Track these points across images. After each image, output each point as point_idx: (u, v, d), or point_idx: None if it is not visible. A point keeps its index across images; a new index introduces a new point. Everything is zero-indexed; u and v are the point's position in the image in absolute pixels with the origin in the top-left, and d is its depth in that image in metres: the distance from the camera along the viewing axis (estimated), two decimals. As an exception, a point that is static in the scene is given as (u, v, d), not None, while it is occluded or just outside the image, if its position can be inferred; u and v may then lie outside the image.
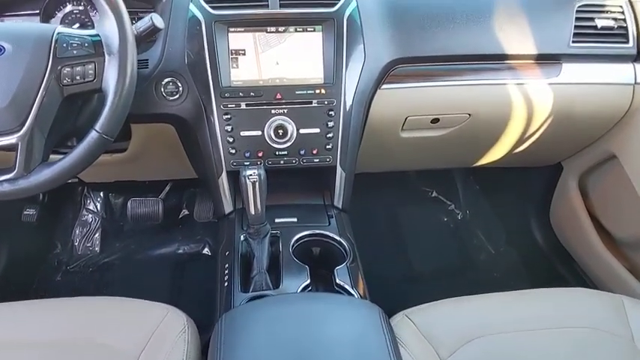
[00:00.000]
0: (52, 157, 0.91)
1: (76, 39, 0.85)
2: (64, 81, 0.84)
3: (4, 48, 0.82)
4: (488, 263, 1.85)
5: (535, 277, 1.76)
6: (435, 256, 1.88)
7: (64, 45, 0.84)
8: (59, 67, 0.83)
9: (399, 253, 1.88)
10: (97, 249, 1.81)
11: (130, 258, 1.81)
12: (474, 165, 1.56)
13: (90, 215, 1.85)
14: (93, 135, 0.84)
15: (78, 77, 0.84)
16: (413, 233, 1.96)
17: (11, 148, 0.82)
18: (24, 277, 1.69)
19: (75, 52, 0.84)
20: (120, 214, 1.88)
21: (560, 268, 1.70)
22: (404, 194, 2.06)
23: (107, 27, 0.85)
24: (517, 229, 1.87)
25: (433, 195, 2.07)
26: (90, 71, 0.84)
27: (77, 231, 1.83)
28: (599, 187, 1.54)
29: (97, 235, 1.82)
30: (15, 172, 0.83)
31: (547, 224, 1.77)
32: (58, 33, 0.85)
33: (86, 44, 0.85)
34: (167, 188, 1.84)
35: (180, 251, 1.83)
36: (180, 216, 1.92)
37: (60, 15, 1.19)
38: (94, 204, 1.85)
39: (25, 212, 1.65)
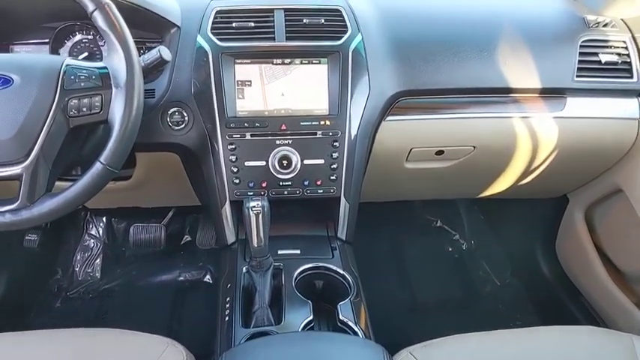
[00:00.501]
0: (57, 183, 0.92)
1: (84, 71, 0.86)
2: (71, 112, 0.84)
3: (12, 79, 0.83)
4: (493, 295, 1.83)
5: (541, 310, 1.74)
6: (440, 287, 1.86)
7: (72, 77, 0.85)
8: (66, 99, 0.84)
9: (403, 283, 1.86)
10: (98, 275, 1.81)
11: (131, 284, 1.79)
12: (479, 196, 1.55)
13: (92, 240, 1.84)
14: (98, 167, 0.84)
15: (84, 109, 0.84)
16: (417, 263, 1.94)
17: (16, 178, 0.83)
18: (23, 304, 1.68)
19: (82, 84, 0.85)
20: (122, 240, 1.88)
21: (567, 302, 1.68)
22: (408, 223, 2.05)
23: (115, 60, 0.86)
24: (523, 260, 1.85)
25: (437, 224, 2.06)
26: (97, 103, 0.85)
27: (78, 256, 1.82)
28: (605, 220, 1.53)
29: (98, 260, 1.82)
30: (18, 202, 0.82)
31: (553, 256, 1.75)
32: (67, 65, 0.86)
33: (94, 77, 0.85)
34: (170, 214, 1.83)
35: (182, 278, 1.82)
36: (182, 242, 1.91)
37: (69, 44, 1.21)
38: (97, 229, 1.85)
39: (27, 237, 1.65)
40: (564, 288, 1.70)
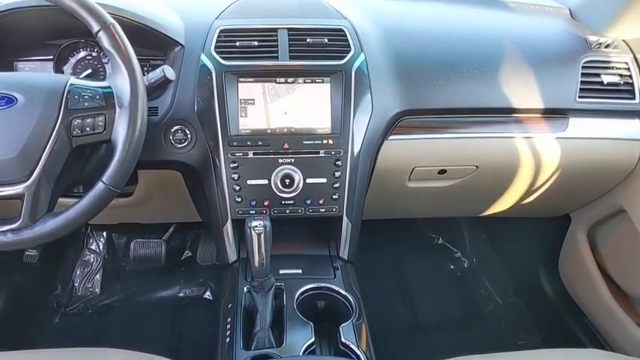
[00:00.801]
0: (59, 200, 0.92)
1: (88, 91, 0.86)
2: (74, 132, 0.84)
3: (16, 99, 0.83)
4: (495, 314, 1.82)
5: (544, 330, 1.73)
6: (442, 305, 1.85)
7: (76, 97, 0.85)
8: (70, 119, 0.84)
9: (404, 301, 1.85)
10: (98, 290, 1.80)
11: (131, 300, 1.79)
12: (481, 215, 1.55)
13: (92, 255, 1.84)
14: (100, 186, 0.83)
15: (88, 128, 0.84)
16: (419, 281, 1.93)
17: (18, 197, 0.82)
18: (23, 320, 1.67)
19: (86, 103, 0.85)
20: (122, 255, 1.87)
21: (570, 322, 1.67)
22: (409, 240, 2.05)
23: (119, 80, 0.86)
24: (525, 279, 1.85)
25: (439, 242, 2.06)
26: (100, 123, 0.85)
27: (78, 271, 1.82)
28: (608, 240, 1.52)
29: (98, 275, 1.81)
30: (20, 222, 0.82)
31: (556, 276, 1.74)
32: (71, 84, 0.87)
33: (97, 96, 0.86)
34: (171, 230, 1.83)
35: (182, 294, 1.81)
36: (182, 257, 1.91)
37: (73, 61, 1.21)
38: (97, 244, 1.85)
39: (27, 253, 1.65)
40: (567, 308, 1.69)
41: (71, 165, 0.88)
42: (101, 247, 1.85)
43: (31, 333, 1.64)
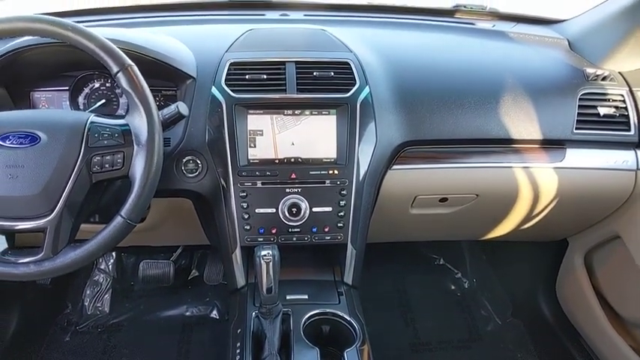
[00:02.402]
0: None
1: (107, 129, 0.91)
2: (94, 168, 0.89)
3: (39, 137, 0.88)
4: (495, 334, 1.85)
5: (542, 351, 1.76)
6: (442, 325, 1.88)
7: (96, 135, 0.90)
8: (90, 156, 0.88)
9: (406, 321, 1.89)
10: (107, 309, 1.84)
11: (139, 319, 1.83)
12: (481, 239, 1.59)
13: (101, 275, 1.88)
14: (118, 220, 0.88)
15: (107, 165, 0.89)
16: (420, 301, 1.97)
17: (40, 230, 0.87)
18: (35, 338, 1.71)
19: (105, 141, 0.89)
20: (131, 275, 1.92)
21: (567, 344, 1.70)
22: (411, 261, 2.09)
23: (136, 119, 0.90)
24: (524, 301, 1.88)
25: (440, 262, 2.10)
26: (118, 160, 0.89)
27: (88, 291, 1.86)
28: (605, 265, 1.56)
29: (107, 295, 1.86)
30: (42, 254, 0.87)
31: (553, 298, 1.78)
32: (91, 122, 0.91)
33: (116, 134, 0.90)
34: (179, 251, 1.87)
35: (189, 314, 1.85)
36: (189, 277, 1.95)
37: (87, 90, 1.26)
38: (106, 264, 1.90)
39: None
40: (564, 330, 1.73)
41: (90, 198, 0.92)
42: (110, 267, 1.90)
43: (42, 350, 1.68)
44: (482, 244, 2.04)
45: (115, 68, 0.90)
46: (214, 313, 1.84)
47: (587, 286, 1.59)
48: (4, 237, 0.89)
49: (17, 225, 0.87)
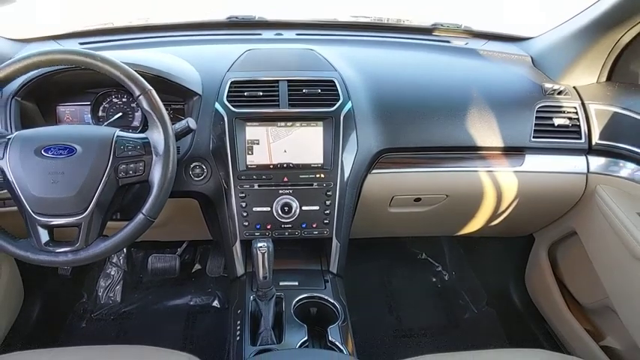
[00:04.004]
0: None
1: (131, 142, 1.07)
2: (120, 175, 1.06)
3: (75, 149, 1.04)
4: (471, 321, 2.00)
5: (512, 335, 1.91)
6: (423, 313, 2.03)
7: (122, 147, 1.06)
8: (117, 164, 1.05)
9: (390, 310, 2.03)
10: (118, 299, 1.99)
11: (148, 308, 1.98)
12: (455, 234, 1.74)
13: (113, 268, 2.04)
14: (140, 217, 1.05)
15: (131, 172, 1.06)
16: (403, 292, 2.11)
17: (75, 225, 1.04)
18: (55, 324, 1.86)
19: (130, 152, 1.06)
20: (140, 268, 2.07)
21: (533, 329, 1.86)
22: (396, 256, 2.23)
23: (155, 134, 1.07)
24: (497, 291, 2.03)
25: (423, 257, 2.24)
26: (140, 167, 1.06)
27: (101, 282, 2.01)
28: (565, 258, 1.71)
29: (118, 286, 2.00)
30: (77, 244, 1.04)
31: (523, 288, 1.93)
32: (117, 136, 1.07)
33: (138, 146, 1.07)
34: (184, 245, 2.03)
35: (192, 303, 1.99)
36: (193, 270, 2.10)
37: (106, 105, 1.41)
38: (118, 258, 2.05)
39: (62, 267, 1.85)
40: (532, 316, 1.88)
41: (116, 199, 1.09)
42: (122, 261, 2.05)
43: (62, 336, 1.84)
44: (460, 240, 2.18)
45: (137, 92, 1.05)
46: (215, 303, 1.98)
47: (550, 276, 1.73)
48: (46, 231, 1.05)
49: (57, 220, 1.03)
